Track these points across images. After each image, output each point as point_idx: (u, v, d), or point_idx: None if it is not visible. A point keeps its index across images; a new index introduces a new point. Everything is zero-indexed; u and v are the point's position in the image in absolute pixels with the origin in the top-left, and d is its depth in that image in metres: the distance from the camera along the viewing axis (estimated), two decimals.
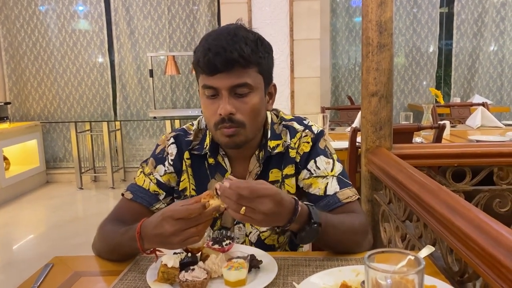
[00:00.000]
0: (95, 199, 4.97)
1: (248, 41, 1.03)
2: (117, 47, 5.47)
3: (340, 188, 1.15)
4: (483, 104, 3.77)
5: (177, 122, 5.31)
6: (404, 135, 2.36)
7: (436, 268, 1.05)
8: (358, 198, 1.17)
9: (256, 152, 1.18)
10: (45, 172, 5.52)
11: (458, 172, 1.83)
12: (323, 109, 3.67)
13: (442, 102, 3.74)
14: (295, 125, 1.21)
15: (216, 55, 1.00)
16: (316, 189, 1.16)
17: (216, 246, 1.06)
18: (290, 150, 1.18)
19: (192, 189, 1.21)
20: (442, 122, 2.48)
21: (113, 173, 5.24)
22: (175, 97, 5.58)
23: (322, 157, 1.17)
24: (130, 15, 5.40)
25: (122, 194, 1.20)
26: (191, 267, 0.94)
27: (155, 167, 1.20)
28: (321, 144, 1.19)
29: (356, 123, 3.19)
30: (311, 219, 0.98)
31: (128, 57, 5.46)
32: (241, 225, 1.21)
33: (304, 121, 1.22)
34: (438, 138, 2.43)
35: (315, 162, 1.17)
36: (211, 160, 1.19)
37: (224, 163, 1.19)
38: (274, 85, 1.17)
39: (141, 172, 1.22)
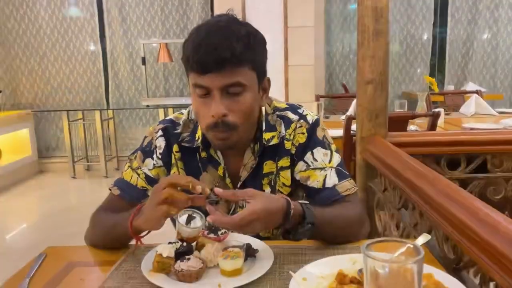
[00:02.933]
0: (89, 188, 4.94)
1: (240, 36, 0.98)
2: (109, 35, 5.39)
3: (339, 181, 1.12)
4: (477, 92, 3.77)
5: (170, 110, 5.26)
6: (398, 123, 2.35)
7: (432, 256, 1.05)
8: (357, 189, 1.15)
9: (251, 145, 1.15)
10: (38, 162, 5.47)
11: (452, 160, 1.83)
12: (317, 98, 3.66)
13: (437, 90, 3.74)
14: (290, 114, 1.16)
15: (207, 53, 0.96)
16: (315, 182, 1.13)
17: (212, 235, 1.05)
18: (285, 141, 1.15)
19: None
20: (436, 110, 2.48)
21: (106, 162, 5.20)
22: (168, 85, 5.54)
23: (319, 148, 1.14)
24: (122, 2, 5.32)
25: (110, 189, 1.17)
26: (187, 257, 0.93)
27: (143, 161, 1.17)
28: (319, 134, 1.16)
29: (350, 111, 3.17)
30: (304, 219, 0.98)
31: (120, 45, 5.40)
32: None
33: (298, 110, 1.18)
34: (432, 126, 2.43)
35: (312, 153, 1.14)
36: (203, 154, 1.16)
37: (217, 156, 1.15)
38: (268, 79, 1.12)
39: (128, 166, 1.19)
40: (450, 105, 3.91)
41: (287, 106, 1.19)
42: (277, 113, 1.17)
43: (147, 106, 5.14)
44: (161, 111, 5.03)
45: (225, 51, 0.95)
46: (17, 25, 5.38)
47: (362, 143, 1.78)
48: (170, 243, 1.00)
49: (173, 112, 4.62)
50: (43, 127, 5.65)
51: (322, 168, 1.13)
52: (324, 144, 1.15)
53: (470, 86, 4.78)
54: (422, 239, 1.01)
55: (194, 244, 1.01)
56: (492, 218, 0.90)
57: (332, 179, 1.12)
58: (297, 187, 1.19)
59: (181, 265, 0.91)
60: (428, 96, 3.44)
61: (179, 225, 1.00)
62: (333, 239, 1.07)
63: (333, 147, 1.17)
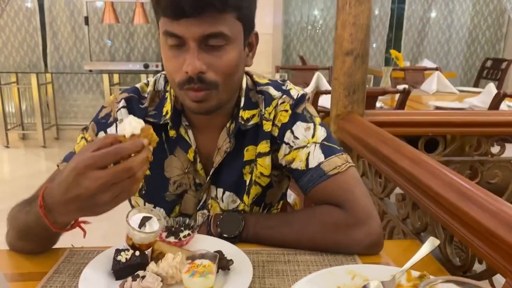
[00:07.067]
0: (24, 159, 4.53)
1: None
2: None
3: (326, 157, 0.92)
4: (437, 69, 3.70)
5: (115, 76, 4.92)
6: (368, 99, 2.17)
7: (439, 264, 0.88)
8: (352, 167, 0.93)
9: (228, 124, 0.96)
10: None
11: (427, 142, 1.71)
12: (277, 69, 3.44)
13: (402, 65, 3.61)
14: (271, 90, 0.97)
15: None
16: (298, 163, 0.93)
17: (172, 238, 0.84)
18: (264, 121, 0.96)
19: None
20: (406, 87, 2.34)
21: (44, 131, 4.79)
22: (114, 48, 5.15)
23: (299, 123, 0.95)
24: None
25: (58, 166, 0.95)
26: (141, 273, 0.71)
27: (96, 134, 0.96)
28: (299, 109, 0.97)
29: (312, 85, 3.00)
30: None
31: (59, 1, 4.93)
32: (205, 210, 0.99)
33: (282, 86, 0.99)
34: (402, 103, 2.29)
35: (292, 131, 0.95)
36: (172, 133, 0.95)
37: (188, 136, 0.95)
38: (256, 34, 0.92)
39: (82, 137, 0.97)
40: (410, 82, 3.82)
41: (269, 82, 1.00)
42: (258, 88, 0.98)
43: (90, 70, 4.76)
44: (105, 76, 4.70)
45: None
46: None
47: (337, 121, 1.60)
48: (117, 250, 0.77)
49: (119, 79, 4.19)
50: None
51: (304, 146, 0.94)
52: (304, 117, 0.96)
53: (425, 63, 4.74)
54: (429, 245, 0.84)
55: (149, 251, 0.79)
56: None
57: (316, 157, 0.92)
58: (284, 175, 1.02)
59: (133, 285, 0.68)
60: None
61: (129, 229, 0.77)
62: (310, 243, 0.88)
63: (317, 119, 0.98)
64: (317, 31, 5.44)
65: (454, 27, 5.54)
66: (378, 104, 2.73)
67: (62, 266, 0.82)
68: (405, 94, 2.28)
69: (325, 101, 2.24)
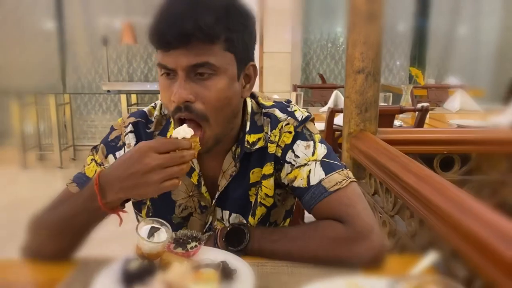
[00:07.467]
0: (41, 179, 4.54)
1: (214, 6, 0.82)
2: (66, 11, 4.96)
3: (326, 174, 0.93)
4: (461, 87, 3.64)
5: (133, 96, 4.97)
6: (385, 117, 2.17)
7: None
8: (353, 182, 0.94)
9: (233, 148, 0.97)
10: None
11: (444, 160, 1.69)
12: (295, 87, 3.45)
13: (423, 83, 3.55)
14: (277, 113, 0.98)
15: (168, 26, 0.80)
16: (299, 181, 0.94)
17: (179, 249, 0.86)
18: (269, 144, 0.97)
19: None
20: (425, 104, 2.31)
21: (62, 151, 4.81)
22: (132, 69, 5.18)
23: (299, 141, 0.97)
24: None
25: (67, 185, 0.99)
26: (148, 281, 0.73)
27: (106, 156, 0.99)
28: (299, 128, 0.98)
29: (330, 103, 2.99)
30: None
31: (78, 23, 4.98)
32: (211, 232, 1.01)
33: (287, 108, 1.00)
34: (420, 122, 2.27)
35: (293, 151, 0.96)
36: None
37: (191, 160, 0.96)
38: (254, 66, 0.93)
39: (92, 159, 1.01)
40: (432, 100, 3.76)
41: (275, 103, 1.01)
42: (264, 111, 0.99)
43: (108, 91, 4.79)
44: (123, 97, 4.72)
45: (188, 23, 0.79)
46: None
47: (349, 140, 1.58)
48: (128, 260, 0.79)
49: (137, 99, 4.29)
50: None
51: (305, 164, 0.95)
52: (304, 136, 0.98)
53: (452, 80, 4.64)
54: (429, 259, 0.82)
55: (157, 261, 0.81)
56: None
57: (317, 174, 0.93)
58: (288, 194, 1.03)
59: None
60: (412, 89, 3.27)
61: (139, 238, 0.80)
62: (312, 258, 0.88)
63: (317, 137, 0.99)
64: (338, 48, 5.37)
65: (482, 43, 5.31)
66: (397, 123, 2.68)
67: (76, 274, 0.84)
68: (423, 112, 2.24)
69: (340, 119, 2.24)
